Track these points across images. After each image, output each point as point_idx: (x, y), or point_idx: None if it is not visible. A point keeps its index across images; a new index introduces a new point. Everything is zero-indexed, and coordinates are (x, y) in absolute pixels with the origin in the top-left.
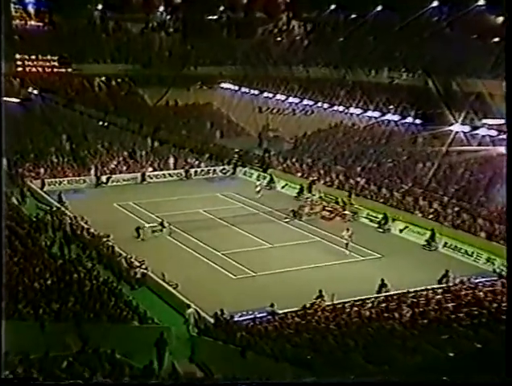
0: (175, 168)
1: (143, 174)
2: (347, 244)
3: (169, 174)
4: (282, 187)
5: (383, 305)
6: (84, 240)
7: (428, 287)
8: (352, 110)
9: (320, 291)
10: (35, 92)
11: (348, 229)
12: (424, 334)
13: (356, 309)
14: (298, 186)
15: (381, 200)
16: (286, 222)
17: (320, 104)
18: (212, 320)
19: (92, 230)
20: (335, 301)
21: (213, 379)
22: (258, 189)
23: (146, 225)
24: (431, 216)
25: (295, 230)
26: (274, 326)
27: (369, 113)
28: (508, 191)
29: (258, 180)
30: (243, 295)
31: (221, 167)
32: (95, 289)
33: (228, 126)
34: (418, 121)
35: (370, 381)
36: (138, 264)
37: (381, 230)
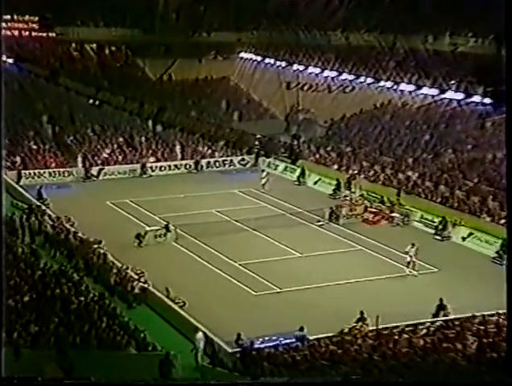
0: (182, 158)
1: (143, 166)
2: (409, 263)
3: (175, 166)
4: (315, 183)
5: (442, 332)
6: (69, 247)
7: (499, 311)
8: (403, 87)
9: (362, 313)
10: (10, 60)
11: (413, 244)
12: (493, 371)
13: (406, 336)
14: (334, 182)
15: (439, 200)
16: (319, 226)
17: (362, 78)
18: (226, 347)
19: (79, 234)
20: (380, 326)
21: (213, 380)
22: (264, 180)
23: (147, 228)
24: (502, 221)
25: (331, 236)
26: (303, 356)
27: (425, 90)
28: (508, 191)
29: (286, 172)
30: (265, 316)
31: (240, 158)
32: (82, 308)
33: (248, 106)
34: (487, 101)
35: (371, 381)
36: (136, 276)
37: (438, 237)
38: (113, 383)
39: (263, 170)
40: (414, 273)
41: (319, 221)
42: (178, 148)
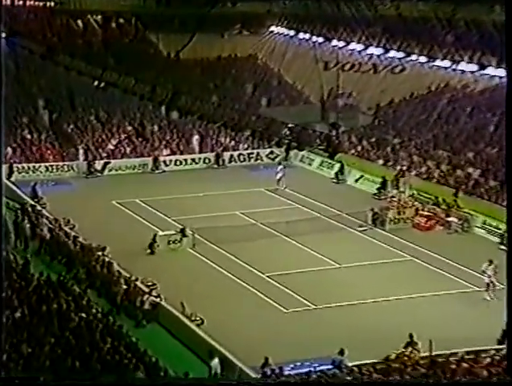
0: (201, 151)
1: (156, 160)
2: (489, 285)
3: (193, 160)
4: (356, 181)
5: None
6: (68, 254)
7: None
8: (463, 66)
9: (411, 336)
10: (2, 35)
11: (490, 262)
12: None
13: (466, 365)
14: (379, 180)
15: (505, 203)
16: (361, 231)
17: (414, 56)
18: (251, 373)
19: (80, 239)
20: (433, 353)
21: (214, 380)
22: (279, 174)
23: (160, 233)
24: None
25: (375, 243)
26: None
27: (490, 71)
28: (508, 191)
29: (322, 168)
30: (297, 338)
31: (268, 150)
32: (83, 326)
33: (278, 90)
34: None
35: (370, 381)
36: (146, 289)
37: (505, 247)
38: (114, 384)
39: (280, 163)
40: (494, 297)
41: (361, 226)
42: (196, 139)
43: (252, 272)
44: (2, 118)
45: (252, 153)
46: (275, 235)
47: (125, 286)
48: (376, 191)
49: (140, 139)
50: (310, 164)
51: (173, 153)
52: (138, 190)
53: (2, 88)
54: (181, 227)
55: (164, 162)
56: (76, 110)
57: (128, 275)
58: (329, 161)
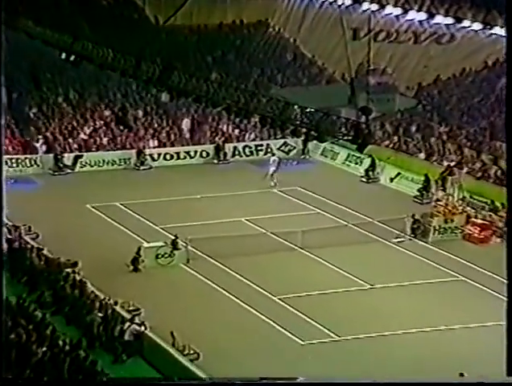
0: (197, 142)
1: (140, 153)
2: None
3: (187, 153)
4: (392, 179)
5: None
6: (31, 271)
7: None
8: None
9: (462, 375)
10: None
11: None
12: None
13: None
14: (420, 178)
15: None
16: (397, 243)
17: (466, 23)
18: None
19: (45, 252)
20: None
21: (213, 379)
22: (271, 168)
23: (146, 245)
24: None
25: (415, 259)
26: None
27: None
28: (508, 191)
29: (349, 163)
30: (317, 374)
31: (281, 141)
32: (47, 361)
33: (295, 65)
34: None
35: (370, 381)
36: (128, 315)
37: None
38: (115, 384)
39: (273, 154)
40: None
41: (397, 237)
42: (186, 123)
43: (261, 293)
44: (2, 117)
45: (261, 145)
46: (290, 247)
47: (100, 313)
48: (417, 193)
49: (121, 127)
50: (333, 158)
51: (162, 144)
52: (118, 190)
53: (1, 88)
54: (172, 237)
55: (151, 155)
56: (41, 89)
57: (105, 297)
58: (357, 155)
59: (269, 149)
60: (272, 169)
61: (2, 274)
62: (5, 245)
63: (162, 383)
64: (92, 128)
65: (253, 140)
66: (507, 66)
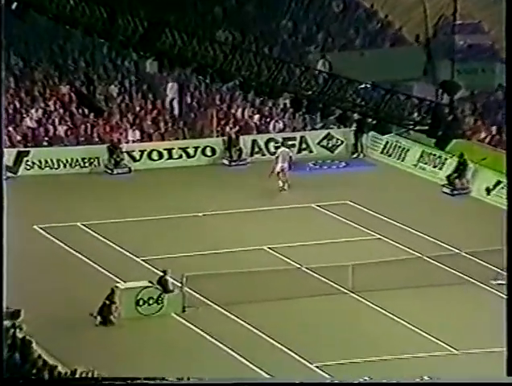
0: (200, 134)
1: (114, 149)
2: None
3: (184, 151)
4: (489, 191)
5: None
6: None
7: None
8: None
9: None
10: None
11: None
12: None
13: None
14: None
15: None
16: (497, 286)
17: None
18: None
19: None
20: None
21: (214, 379)
22: (279, 165)
23: (122, 286)
24: None
25: None
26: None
27: None
28: (508, 192)
29: (424, 165)
30: None
31: (323, 133)
32: None
33: (344, 18)
34: None
35: (370, 381)
36: None
37: None
38: (116, 384)
39: (282, 144)
40: None
41: (496, 278)
42: (171, 88)
43: (291, 359)
44: (2, 116)
45: (292, 139)
46: (335, 290)
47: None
48: None
49: (85, 110)
50: (401, 159)
51: (147, 137)
52: (80, 205)
53: (1, 88)
54: (160, 273)
55: (130, 153)
56: None
57: (58, 364)
58: (437, 153)
59: (304, 145)
60: (280, 166)
61: (2, 274)
62: None
63: (162, 383)
64: (42, 111)
65: (282, 130)
66: (507, 66)
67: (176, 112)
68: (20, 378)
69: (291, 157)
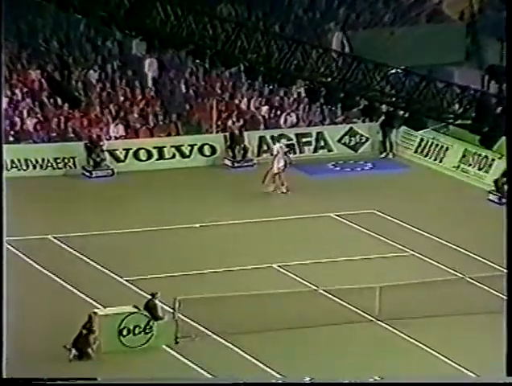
0: (196, 128)
1: (93, 147)
2: None
3: (177, 149)
4: None
5: None
6: None
7: None
8: None
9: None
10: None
11: None
12: None
13: None
14: None
15: None
16: None
17: None
18: None
19: None
20: None
21: (213, 379)
22: (276, 164)
23: (101, 311)
24: None
25: None
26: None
27: None
28: (508, 194)
29: (467, 168)
30: None
31: (345, 128)
32: None
33: None
34: None
35: (370, 381)
36: None
37: None
38: (117, 383)
39: (279, 140)
40: None
41: None
42: (153, 70)
43: None
44: (2, 114)
45: (308, 135)
46: (356, 317)
47: None
48: None
49: (58, 100)
50: (439, 159)
51: (133, 133)
52: (52, 214)
53: (1, 89)
54: (149, 296)
55: (112, 152)
56: None
57: None
58: (482, 153)
59: (321, 142)
60: (277, 165)
61: (2, 274)
62: None
63: (162, 383)
64: (7, 100)
65: (295, 125)
66: (507, 66)
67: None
68: (20, 378)
69: (286, 153)
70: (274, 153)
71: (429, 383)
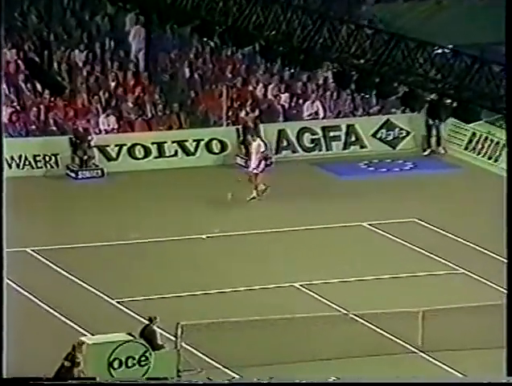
0: (203, 120)
1: (79, 142)
2: None
3: (179, 144)
4: None
5: None
6: None
7: None
8: None
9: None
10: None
11: None
12: None
13: None
14: None
15: None
16: None
17: None
18: None
19: None
20: None
21: (214, 379)
22: (254, 167)
23: (89, 340)
24: None
25: None
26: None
27: None
28: (508, 194)
29: None
30: None
31: (380, 120)
32: None
33: None
34: None
35: (369, 382)
36: None
37: None
38: (116, 383)
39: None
40: None
41: None
42: (138, 42)
43: None
44: (2, 114)
45: (336, 128)
46: (396, 346)
47: None
48: None
49: (37, 85)
50: (494, 157)
51: (127, 125)
52: (31, 221)
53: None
54: (146, 321)
55: (103, 148)
56: None
57: None
58: None
59: (352, 137)
60: (255, 167)
61: (2, 274)
62: None
63: (162, 383)
64: None
65: (321, 117)
66: (507, 66)
67: (142, 67)
68: (20, 378)
69: (264, 151)
70: (252, 151)
71: (429, 383)
